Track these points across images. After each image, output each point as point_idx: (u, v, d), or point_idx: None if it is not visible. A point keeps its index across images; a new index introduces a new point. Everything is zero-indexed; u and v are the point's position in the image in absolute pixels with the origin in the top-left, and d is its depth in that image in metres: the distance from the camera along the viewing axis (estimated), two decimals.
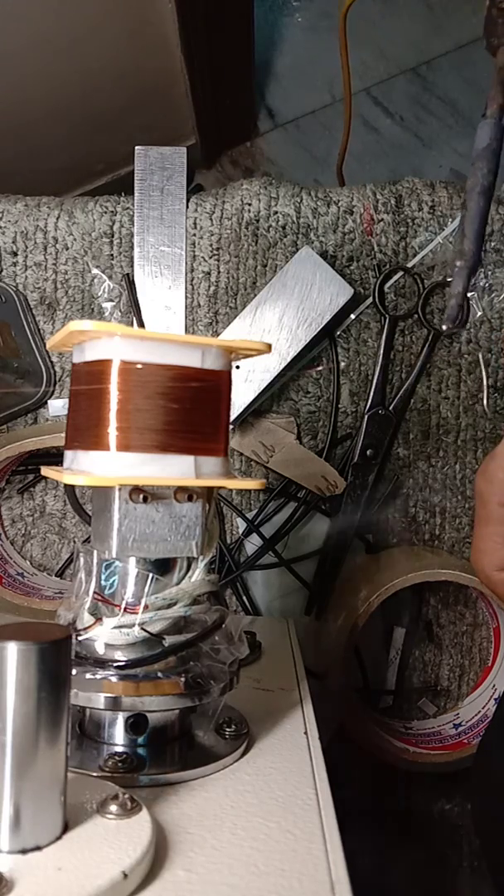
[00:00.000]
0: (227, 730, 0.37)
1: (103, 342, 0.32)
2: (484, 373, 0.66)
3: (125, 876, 0.25)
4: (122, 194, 0.70)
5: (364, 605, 0.60)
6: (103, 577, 0.35)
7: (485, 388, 0.67)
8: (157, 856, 0.27)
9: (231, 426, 0.66)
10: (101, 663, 0.34)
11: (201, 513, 0.34)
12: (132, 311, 0.68)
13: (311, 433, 0.70)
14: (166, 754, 0.35)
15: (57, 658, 0.26)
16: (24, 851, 0.25)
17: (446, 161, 1.37)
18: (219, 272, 0.69)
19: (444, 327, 0.59)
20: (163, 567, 0.35)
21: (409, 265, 0.68)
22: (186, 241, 0.68)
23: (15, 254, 0.69)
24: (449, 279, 0.68)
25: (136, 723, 0.35)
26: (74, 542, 0.71)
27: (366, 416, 0.68)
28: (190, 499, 0.34)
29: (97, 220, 0.69)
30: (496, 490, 0.50)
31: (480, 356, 0.61)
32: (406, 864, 0.72)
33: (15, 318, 0.66)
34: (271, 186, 0.69)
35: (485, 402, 0.67)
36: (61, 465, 0.35)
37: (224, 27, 1.04)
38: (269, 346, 0.35)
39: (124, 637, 0.34)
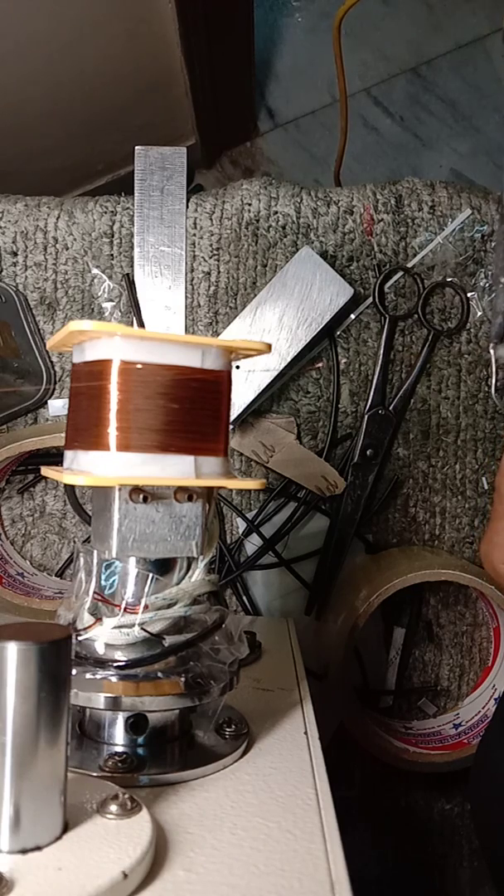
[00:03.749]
0: (227, 730, 0.37)
1: (103, 342, 0.32)
2: (494, 366, 0.65)
3: (125, 876, 0.25)
4: (122, 194, 0.70)
5: (364, 605, 0.60)
6: (103, 577, 0.35)
7: (493, 379, 0.66)
8: (157, 856, 0.27)
9: (231, 426, 0.66)
10: (101, 663, 0.34)
11: (201, 513, 0.34)
12: (132, 311, 0.68)
13: (311, 433, 0.70)
14: (166, 754, 0.35)
15: (57, 658, 0.26)
16: (24, 851, 0.25)
17: (446, 161, 1.37)
18: (219, 272, 0.69)
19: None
20: (163, 567, 0.35)
21: (409, 265, 0.68)
22: (186, 241, 0.68)
23: (15, 254, 0.69)
24: (449, 279, 0.68)
25: (136, 723, 0.35)
26: (74, 542, 0.71)
27: (366, 416, 0.68)
28: (190, 499, 0.34)
29: (97, 220, 0.69)
30: None
31: (492, 350, 0.61)
32: (406, 864, 0.72)
33: (15, 318, 0.66)
34: (271, 186, 0.69)
35: (492, 389, 0.66)
36: (61, 465, 0.35)
37: (224, 27, 1.04)
38: (269, 346, 0.35)
39: (124, 637, 0.34)
